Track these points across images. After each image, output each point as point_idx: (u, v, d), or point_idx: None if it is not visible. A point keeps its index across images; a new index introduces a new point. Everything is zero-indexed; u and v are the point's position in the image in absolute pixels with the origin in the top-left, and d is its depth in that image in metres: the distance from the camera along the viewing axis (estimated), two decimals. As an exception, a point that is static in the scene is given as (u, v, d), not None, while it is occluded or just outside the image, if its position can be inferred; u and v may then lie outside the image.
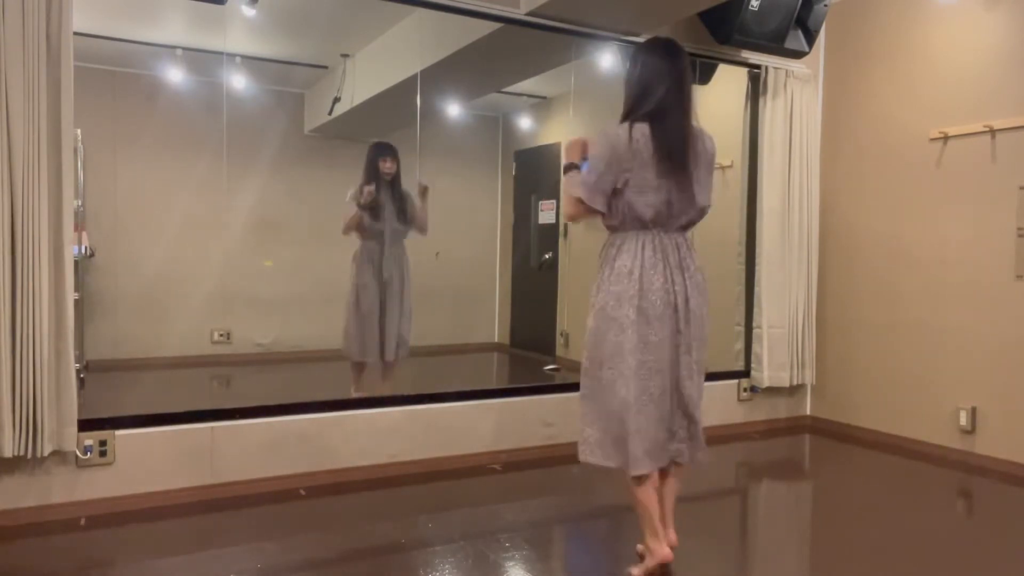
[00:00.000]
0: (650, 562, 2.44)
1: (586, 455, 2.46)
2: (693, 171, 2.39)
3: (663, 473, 2.51)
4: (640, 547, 2.55)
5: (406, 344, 4.29)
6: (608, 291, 2.42)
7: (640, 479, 2.39)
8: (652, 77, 2.40)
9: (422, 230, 4.30)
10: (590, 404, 2.47)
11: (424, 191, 4.28)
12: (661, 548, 2.43)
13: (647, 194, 2.36)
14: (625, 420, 2.37)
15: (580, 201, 2.39)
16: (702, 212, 2.47)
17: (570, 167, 2.48)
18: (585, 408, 2.48)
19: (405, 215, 4.23)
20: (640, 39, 4.11)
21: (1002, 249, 3.84)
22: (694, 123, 2.44)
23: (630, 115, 2.41)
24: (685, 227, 2.47)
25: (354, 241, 4.20)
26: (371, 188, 4.08)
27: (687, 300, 2.41)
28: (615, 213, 2.42)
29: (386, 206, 4.16)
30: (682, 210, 2.41)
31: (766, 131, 4.50)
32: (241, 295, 5.12)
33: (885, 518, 3.10)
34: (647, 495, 2.42)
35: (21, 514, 2.84)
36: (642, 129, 2.35)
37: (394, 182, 4.21)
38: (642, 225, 2.40)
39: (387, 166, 4.18)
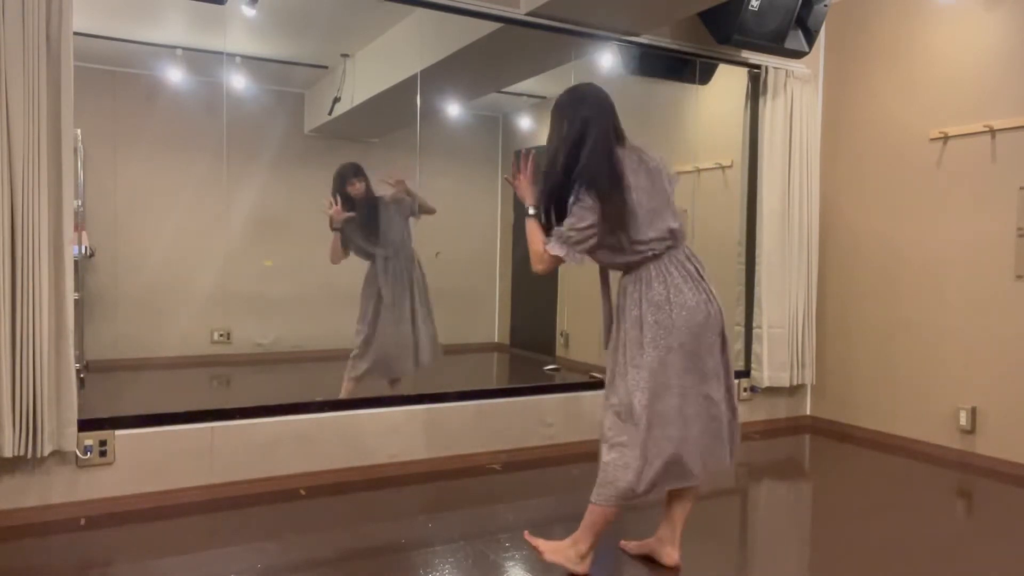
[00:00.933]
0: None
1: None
2: (657, 192, 2.38)
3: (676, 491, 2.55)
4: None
5: (438, 350, 4.17)
6: (653, 313, 2.37)
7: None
8: (582, 127, 2.35)
9: (428, 211, 4.18)
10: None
11: (399, 183, 4.13)
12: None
13: (639, 230, 2.35)
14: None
15: (546, 256, 2.36)
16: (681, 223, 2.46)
17: (530, 214, 2.42)
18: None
19: (396, 224, 4.11)
20: (641, 39, 4.11)
21: (1002, 249, 3.84)
22: (629, 145, 2.42)
23: (567, 171, 2.36)
24: (682, 239, 2.46)
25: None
26: (335, 208, 3.92)
27: (720, 312, 2.44)
28: (617, 256, 2.41)
29: (371, 227, 4.05)
30: (676, 225, 2.41)
31: (766, 131, 4.50)
32: (241, 295, 5.12)
33: (885, 518, 3.10)
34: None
35: (21, 514, 2.84)
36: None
37: (368, 201, 4.08)
38: (651, 255, 2.39)
39: (355, 189, 4.04)
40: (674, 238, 2.40)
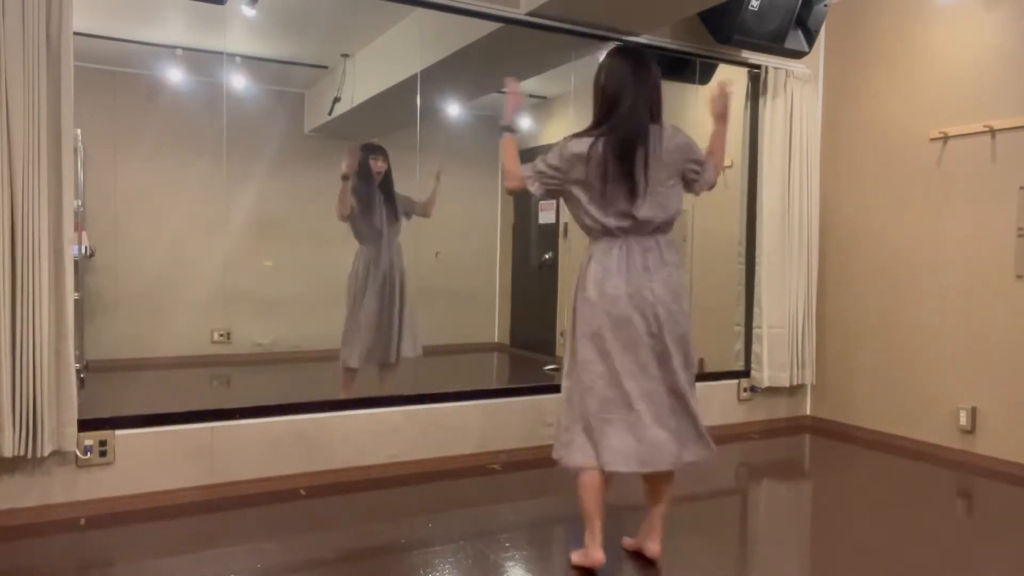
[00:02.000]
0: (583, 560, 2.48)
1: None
2: (645, 178, 2.38)
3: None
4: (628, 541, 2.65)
5: (418, 344, 4.27)
6: (579, 298, 2.46)
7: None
8: (616, 87, 2.41)
9: (426, 213, 4.30)
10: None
11: (437, 175, 4.32)
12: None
13: (606, 206, 2.39)
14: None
15: (519, 177, 2.49)
16: (670, 216, 2.46)
17: (506, 128, 2.58)
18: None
19: (397, 214, 4.23)
20: (641, 39, 4.11)
21: (1002, 249, 3.84)
22: (660, 125, 2.43)
23: (597, 126, 2.44)
24: (658, 230, 2.45)
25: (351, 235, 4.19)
26: (348, 162, 4.08)
27: (655, 303, 2.40)
28: (582, 223, 2.48)
29: (377, 207, 4.15)
30: (649, 215, 2.40)
31: (766, 131, 4.50)
32: (241, 295, 5.12)
33: (885, 518, 3.10)
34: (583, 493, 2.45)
35: (21, 514, 2.84)
36: (599, 143, 2.38)
37: (385, 182, 4.21)
38: (609, 234, 2.43)
39: (378, 165, 4.18)
40: (636, 224, 2.40)
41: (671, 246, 2.49)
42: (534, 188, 2.48)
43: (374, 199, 4.15)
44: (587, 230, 2.49)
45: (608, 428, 2.38)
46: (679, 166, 2.47)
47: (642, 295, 2.39)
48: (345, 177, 4.02)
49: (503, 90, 2.67)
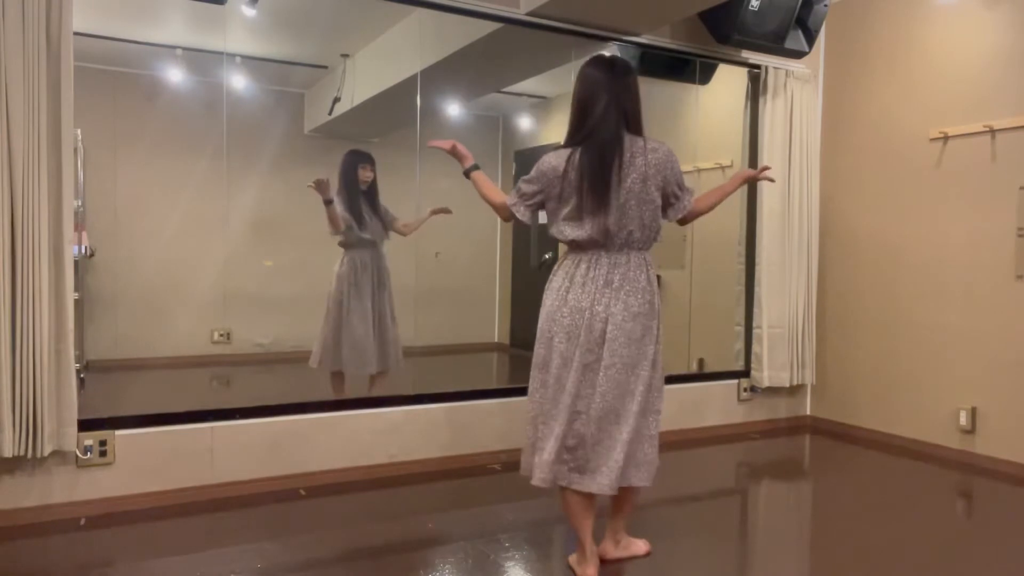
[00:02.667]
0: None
1: None
2: (619, 189, 2.32)
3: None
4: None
5: (399, 351, 4.25)
6: (544, 305, 2.48)
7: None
8: (589, 97, 2.38)
9: (403, 232, 4.29)
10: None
11: (437, 211, 4.31)
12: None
13: (579, 219, 2.36)
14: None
15: (505, 206, 2.51)
16: (645, 231, 2.39)
17: (466, 173, 2.64)
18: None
19: (382, 222, 4.21)
20: (641, 39, 4.11)
21: (1002, 249, 3.84)
22: (641, 136, 2.39)
23: (571, 137, 2.41)
24: (630, 246, 2.39)
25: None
26: (320, 180, 4.00)
27: (607, 320, 2.35)
28: (557, 237, 2.46)
29: (364, 214, 4.12)
30: (622, 229, 2.36)
31: (766, 131, 4.50)
32: (241, 295, 5.11)
33: (885, 518, 3.10)
34: (566, 508, 2.44)
35: (21, 514, 2.84)
36: (575, 155, 2.35)
37: (371, 190, 4.18)
38: (579, 247, 2.41)
39: (365, 174, 4.15)
40: (608, 238, 2.36)
41: (643, 266, 2.41)
42: (520, 213, 2.47)
43: (360, 206, 4.12)
44: (561, 242, 2.48)
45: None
46: (659, 182, 2.38)
47: (593, 309, 2.36)
48: (328, 202, 3.98)
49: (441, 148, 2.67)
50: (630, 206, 2.34)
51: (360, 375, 4.13)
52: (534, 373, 2.47)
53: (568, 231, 2.40)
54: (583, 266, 2.40)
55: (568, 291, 2.40)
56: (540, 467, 2.39)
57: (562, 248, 2.56)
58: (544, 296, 2.50)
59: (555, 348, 2.40)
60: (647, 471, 2.42)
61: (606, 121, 2.34)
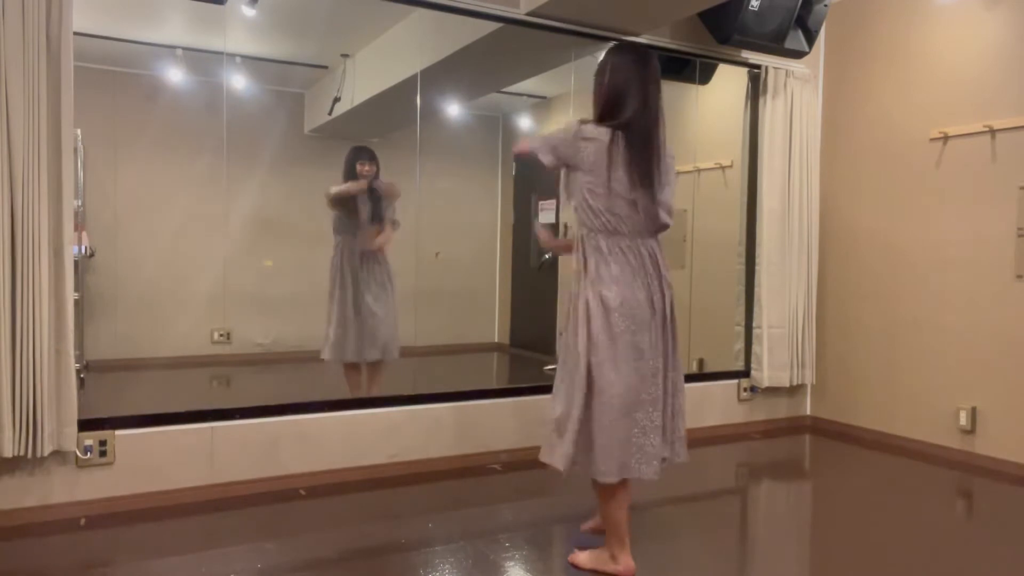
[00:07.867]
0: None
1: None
2: (658, 186, 2.38)
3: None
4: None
5: (397, 342, 4.29)
6: (606, 298, 2.37)
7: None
8: (624, 83, 2.38)
9: (370, 247, 4.34)
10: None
11: (395, 224, 4.35)
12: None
13: (615, 199, 2.34)
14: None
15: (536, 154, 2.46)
16: (664, 226, 2.45)
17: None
18: None
19: (381, 216, 4.26)
20: (641, 39, 4.11)
21: (1002, 249, 3.84)
22: (663, 125, 2.43)
23: (602, 122, 2.41)
24: (657, 232, 2.46)
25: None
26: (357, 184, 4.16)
27: (667, 305, 2.44)
28: (586, 212, 2.39)
29: (364, 208, 4.19)
30: (650, 219, 2.40)
31: (766, 131, 4.50)
32: (241, 295, 5.11)
33: (885, 518, 3.10)
34: (621, 502, 2.48)
35: (21, 514, 2.84)
36: (616, 136, 2.34)
37: (371, 185, 4.25)
38: (615, 232, 2.38)
39: (365, 169, 4.22)
40: (645, 222, 2.40)
41: (663, 253, 2.49)
42: (544, 155, 2.42)
43: (359, 200, 4.20)
44: (590, 222, 2.40)
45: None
46: (670, 177, 2.46)
47: (656, 294, 2.41)
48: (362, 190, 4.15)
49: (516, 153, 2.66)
50: (664, 192, 2.41)
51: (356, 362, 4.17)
52: (622, 367, 2.35)
53: (603, 209, 2.35)
54: (630, 254, 2.38)
55: (633, 278, 2.37)
56: (648, 460, 2.39)
57: (567, 238, 2.57)
58: (595, 287, 2.37)
59: (639, 336, 2.37)
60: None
61: (648, 107, 2.36)
